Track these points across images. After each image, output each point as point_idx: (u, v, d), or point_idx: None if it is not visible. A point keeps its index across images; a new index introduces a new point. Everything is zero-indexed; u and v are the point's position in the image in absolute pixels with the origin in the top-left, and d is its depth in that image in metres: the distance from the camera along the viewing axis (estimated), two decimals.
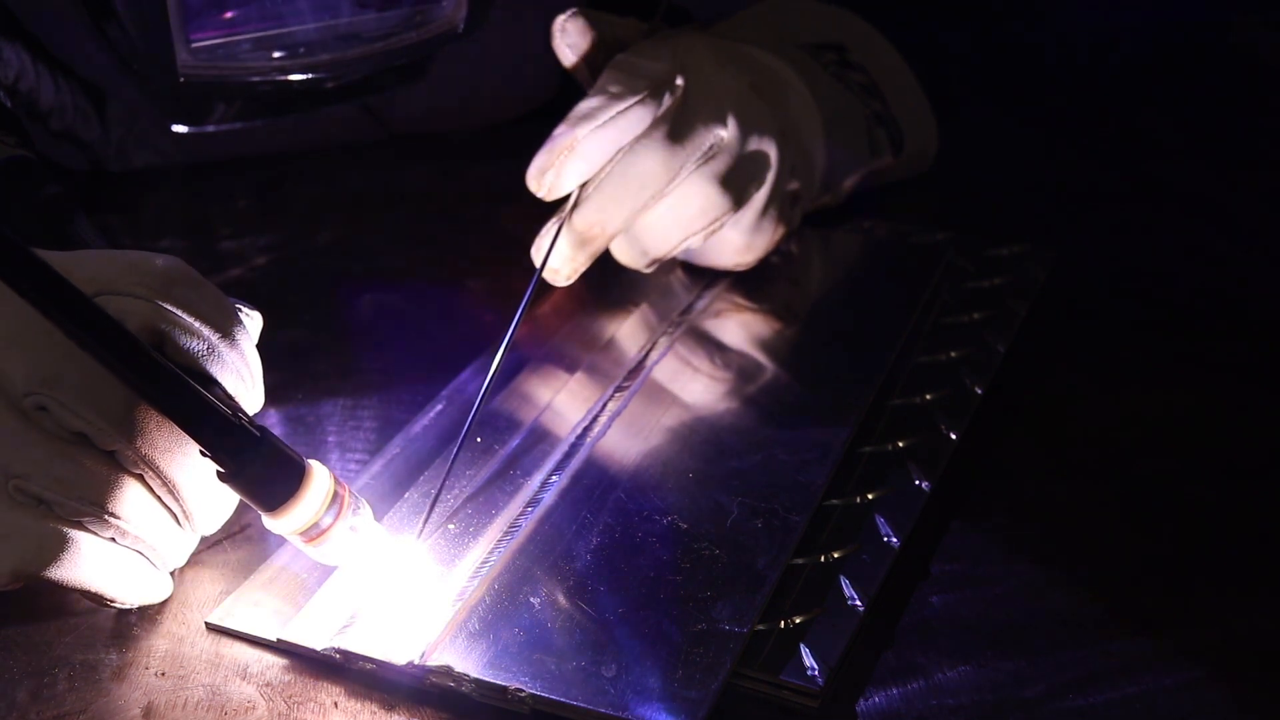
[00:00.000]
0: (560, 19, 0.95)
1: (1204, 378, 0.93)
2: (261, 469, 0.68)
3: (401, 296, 1.03)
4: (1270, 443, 0.87)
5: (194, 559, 0.77)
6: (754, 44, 1.00)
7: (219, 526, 0.74)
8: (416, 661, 0.69)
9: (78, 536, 0.68)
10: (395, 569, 0.73)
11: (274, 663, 0.71)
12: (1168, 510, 0.81)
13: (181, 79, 0.99)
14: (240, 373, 0.72)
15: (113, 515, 0.68)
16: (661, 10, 0.99)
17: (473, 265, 1.07)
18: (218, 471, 0.68)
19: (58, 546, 0.68)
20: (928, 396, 0.88)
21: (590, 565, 0.74)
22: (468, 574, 0.74)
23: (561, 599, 0.72)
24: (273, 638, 0.72)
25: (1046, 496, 0.83)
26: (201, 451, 0.68)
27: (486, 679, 0.67)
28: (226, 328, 0.71)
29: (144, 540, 0.70)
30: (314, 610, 0.73)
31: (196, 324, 0.69)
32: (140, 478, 0.69)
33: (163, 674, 0.70)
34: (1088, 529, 0.80)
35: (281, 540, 0.78)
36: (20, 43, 1.03)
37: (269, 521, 0.70)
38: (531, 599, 0.72)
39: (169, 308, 0.69)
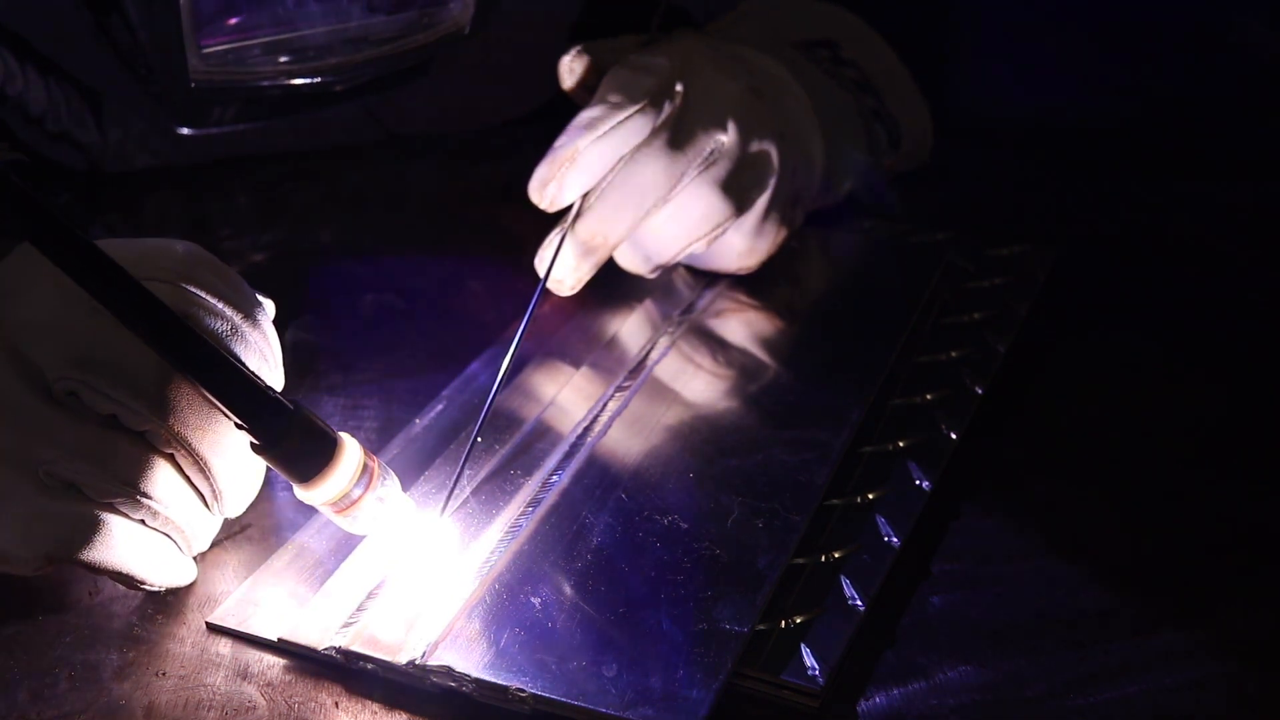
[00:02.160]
0: (567, 60, 0.96)
1: (1204, 378, 0.93)
2: (296, 441, 0.69)
3: (402, 296, 1.03)
4: (1271, 442, 0.87)
5: (196, 558, 0.77)
6: (749, 44, 1.00)
7: (244, 509, 0.75)
8: (417, 661, 0.69)
9: (109, 518, 0.69)
10: (420, 540, 0.74)
11: (275, 663, 0.71)
12: (1167, 510, 0.81)
13: (192, 84, 0.99)
14: (263, 353, 0.73)
15: (144, 495, 0.69)
16: (660, 15, 0.99)
17: (473, 265, 1.07)
18: (252, 444, 0.69)
19: (90, 529, 0.69)
20: (928, 396, 0.88)
21: (591, 565, 0.74)
22: (468, 573, 0.74)
23: (562, 599, 0.72)
24: (274, 638, 0.72)
25: (1046, 496, 0.83)
26: (237, 424, 0.69)
27: (487, 679, 0.67)
28: (248, 309, 0.73)
29: (173, 522, 0.71)
30: (315, 610, 0.73)
31: (220, 305, 0.71)
32: (171, 458, 0.70)
33: (164, 674, 0.71)
34: (1088, 529, 0.80)
35: (282, 540, 0.78)
36: (6, 46, 1.03)
37: (301, 492, 0.71)
38: (532, 599, 0.72)
39: (193, 290, 0.71)
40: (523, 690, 0.67)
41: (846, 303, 1.00)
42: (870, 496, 0.79)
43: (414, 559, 0.74)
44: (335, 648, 0.70)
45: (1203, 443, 0.87)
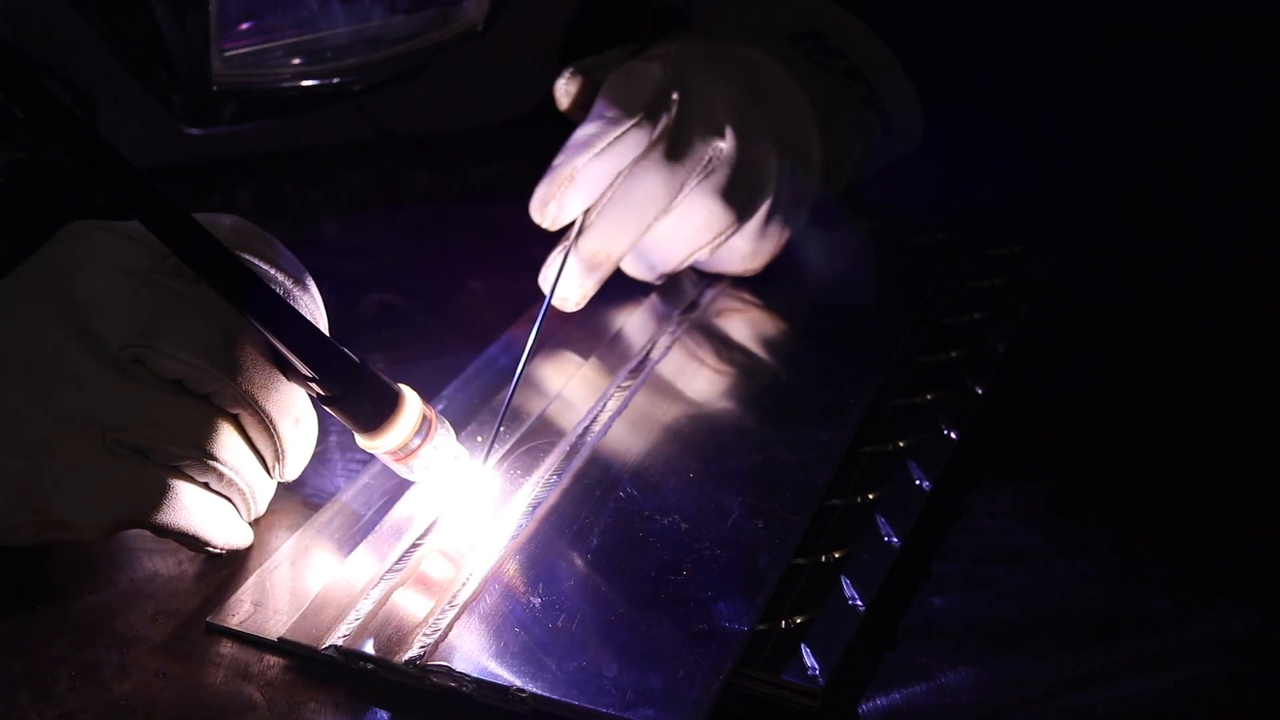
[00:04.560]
0: (562, 83, 0.97)
1: (1204, 378, 0.93)
2: (363, 393, 0.73)
3: (401, 296, 1.04)
4: (1272, 442, 0.87)
5: (196, 558, 0.77)
6: (740, 41, 1.00)
7: (300, 472, 0.77)
8: (418, 661, 0.69)
9: (176, 482, 0.72)
10: (468, 486, 0.78)
11: (275, 663, 0.71)
12: (1168, 510, 0.81)
13: (215, 88, 1.00)
14: (314, 315, 0.76)
15: (211, 458, 0.72)
16: (651, 15, 0.99)
17: (473, 265, 1.07)
18: (321, 396, 0.73)
19: (158, 493, 0.71)
20: (928, 396, 0.88)
21: (591, 565, 0.74)
22: (469, 573, 0.74)
23: (563, 599, 0.72)
24: (273, 638, 0.72)
25: (1046, 496, 0.83)
26: (309, 377, 0.72)
27: (487, 679, 0.67)
28: (299, 275, 0.76)
29: (236, 484, 0.74)
30: (315, 610, 0.73)
31: (272, 272, 0.75)
32: (235, 421, 0.73)
33: (163, 674, 0.70)
34: (1087, 529, 0.80)
35: (282, 541, 0.78)
36: None
37: (363, 441, 0.74)
38: (532, 599, 0.72)
39: (246, 258, 0.74)
40: (523, 690, 0.67)
41: (847, 303, 1.00)
42: (870, 496, 0.79)
43: (466, 497, 0.78)
44: (335, 648, 0.70)
45: (1203, 442, 0.87)
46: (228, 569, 0.77)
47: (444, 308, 1.02)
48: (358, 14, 1.03)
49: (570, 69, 0.97)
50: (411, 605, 0.72)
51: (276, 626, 0.72)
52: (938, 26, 1.16)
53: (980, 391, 0.88)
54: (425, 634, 0.70)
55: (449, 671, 0.68)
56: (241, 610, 0.74)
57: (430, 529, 0.78)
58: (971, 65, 1.18)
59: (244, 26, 1.00)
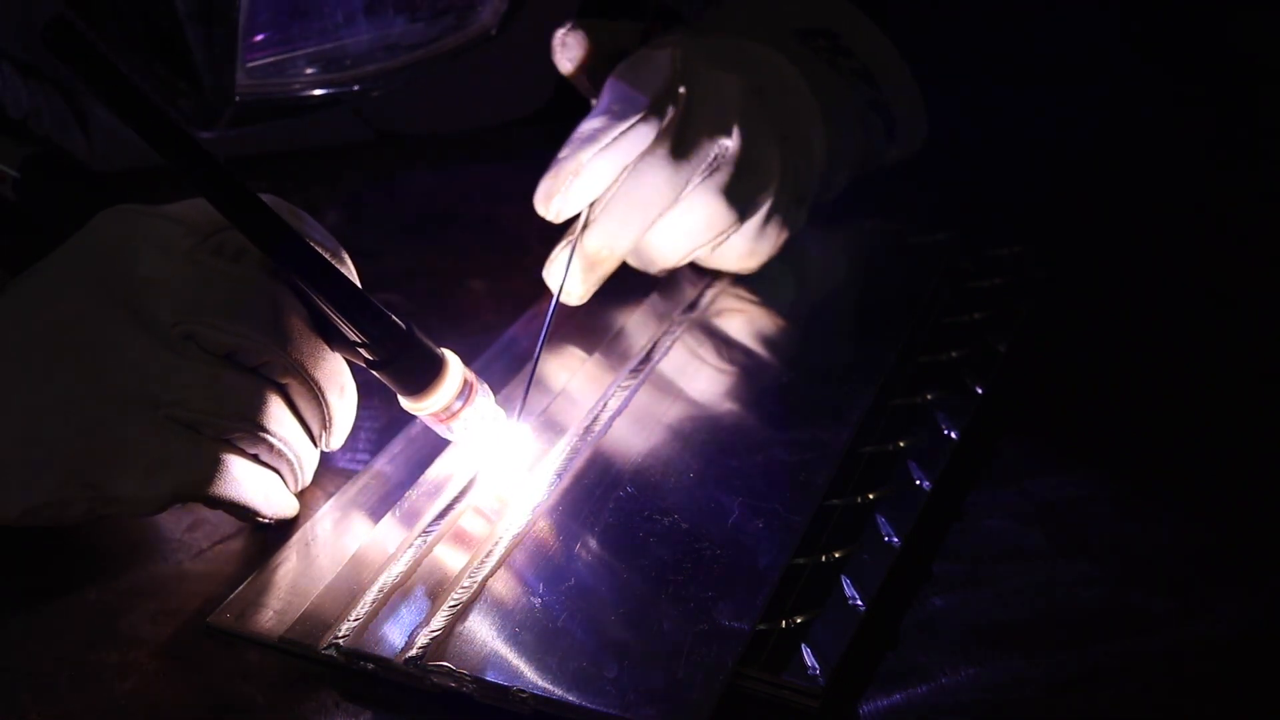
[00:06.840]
0: (560, 34, 0.97)
1: (1204, 378, 0.93)
2: (410, 358, 0.75)
3: (402, 296, 1.03)
4: (1272, 441, 0.87)
5: (196, 558, 0.77)
6: (748, 37, 1.00)
7: (343, 441, 0.79)
8: (417, 662, 0.69)
9: (227, 455, 0.73)
10: (506, 444, 0.80)
11: (275, 663, 0.71)
12: (1168, 509, 0.81)
13: (237, 99, 1.00)
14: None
15: (261, 429, 0.74)
16: (653, 11, 0.99)
17: (473, 265, 1.07)
18: (368, 360, 0.75)
19: (211, 466, 0.73)
20: (928, 396, 0.88)
21: (592, 565, 0.74)
22: (469, 573, 0.74)
23: (563, 599, 0.72)
24: (274, 638, 0.72)
25: (1046, 496, 0.83)
26: (358, 343, 0.74)
27: (488, 679, 0.67)
28: (335, 248, 0.78)
29: (285, 455, 0.75)
30: (315, 610, 0.73)
31: (311, 247, 0.75)
32: (283, 391, 0.74)
33: (164, 674, 0.71)
34: (1088, 527, 0.80)
35: (283, 540, 0.78)
36: None
37: (407, 403, 0.77)
38: (533, 599, 0.72)
39: None
40: (523, 690, 0.67)
41: (847, 302, 1.00)
42: (870, 496, 0.79)
43: (504, 454, 0.80)
44: (335, 647, 0.70)
45: (1203, 442, 0.87)
46: (228, 569, 0.77)
47: (444, 308, 1.02)
48: (377, 22, 1.04)
49: (570, 23, 0.97)
50: (412, 605, 0.72)
51: (277, 626, 0.72)
52: (943, 26, 1.16)
53: (980, 391, 0.88)
54: (425, 634, 0.70)
55: (449, 671, 0.68)
56: (242, 610, 0.73)
57: (430, 526, 0.78)
58: (973, 64, 1.18)
59: (265, 37, 1.00)
